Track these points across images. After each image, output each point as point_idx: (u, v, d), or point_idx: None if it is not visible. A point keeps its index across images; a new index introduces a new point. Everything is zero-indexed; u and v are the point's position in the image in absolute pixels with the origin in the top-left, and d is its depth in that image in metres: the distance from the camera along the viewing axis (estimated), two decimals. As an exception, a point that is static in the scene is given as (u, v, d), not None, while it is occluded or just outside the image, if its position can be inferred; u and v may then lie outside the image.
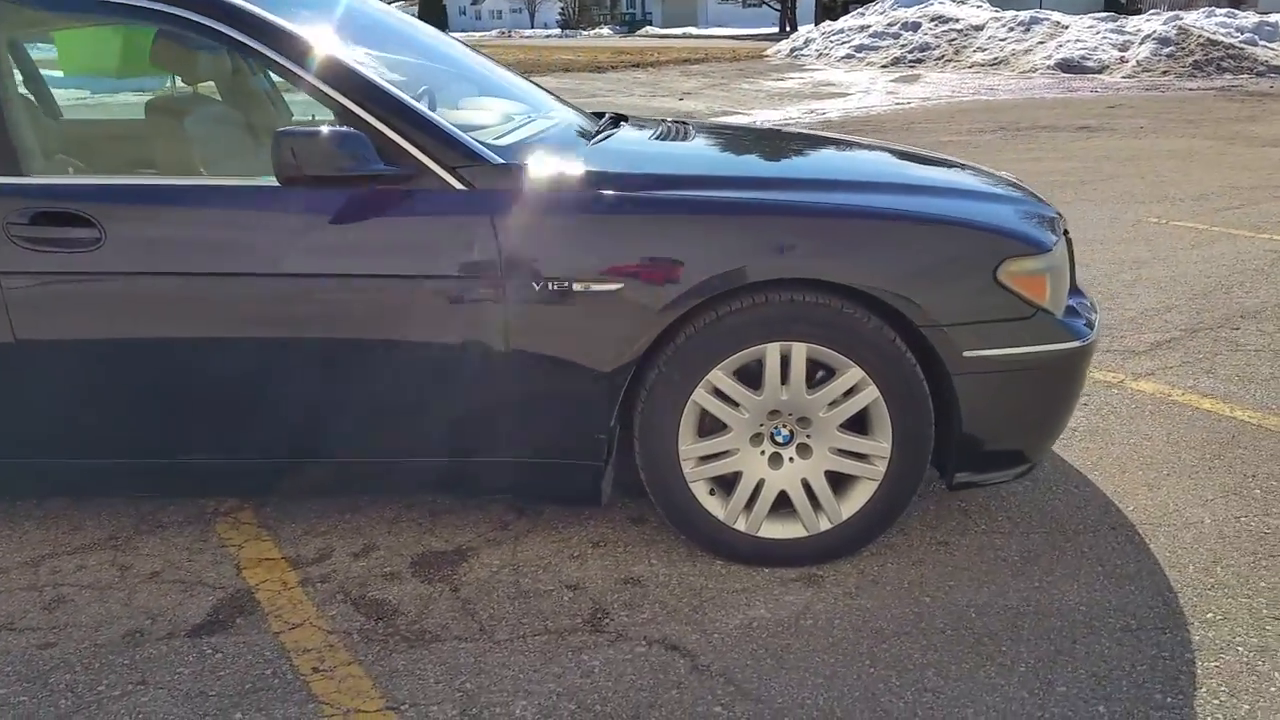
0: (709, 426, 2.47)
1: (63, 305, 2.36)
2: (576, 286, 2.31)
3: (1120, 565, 2.53)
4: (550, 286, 2.31)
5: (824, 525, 2.50)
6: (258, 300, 2.35)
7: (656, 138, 2.97)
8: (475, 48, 3.71)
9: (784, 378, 2.39)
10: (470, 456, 2.50)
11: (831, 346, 2.35)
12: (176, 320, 2.37)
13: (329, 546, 2.70)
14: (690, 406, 2.42)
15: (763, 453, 2.49)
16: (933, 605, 2.38)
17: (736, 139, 3.40)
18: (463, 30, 40.46)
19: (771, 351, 2.37)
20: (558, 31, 38.19)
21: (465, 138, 2.38)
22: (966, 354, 2.35)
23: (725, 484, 2.52)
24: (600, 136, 2.91)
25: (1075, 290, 2.75)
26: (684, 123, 3.42)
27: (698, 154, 2.89)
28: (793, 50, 24.16)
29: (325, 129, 2.22)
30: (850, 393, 2.40)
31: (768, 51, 25.75)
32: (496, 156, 2.39)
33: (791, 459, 2.49)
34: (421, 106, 2.41)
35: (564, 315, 2.33)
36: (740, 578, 2.51)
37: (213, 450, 2.52)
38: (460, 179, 2.34)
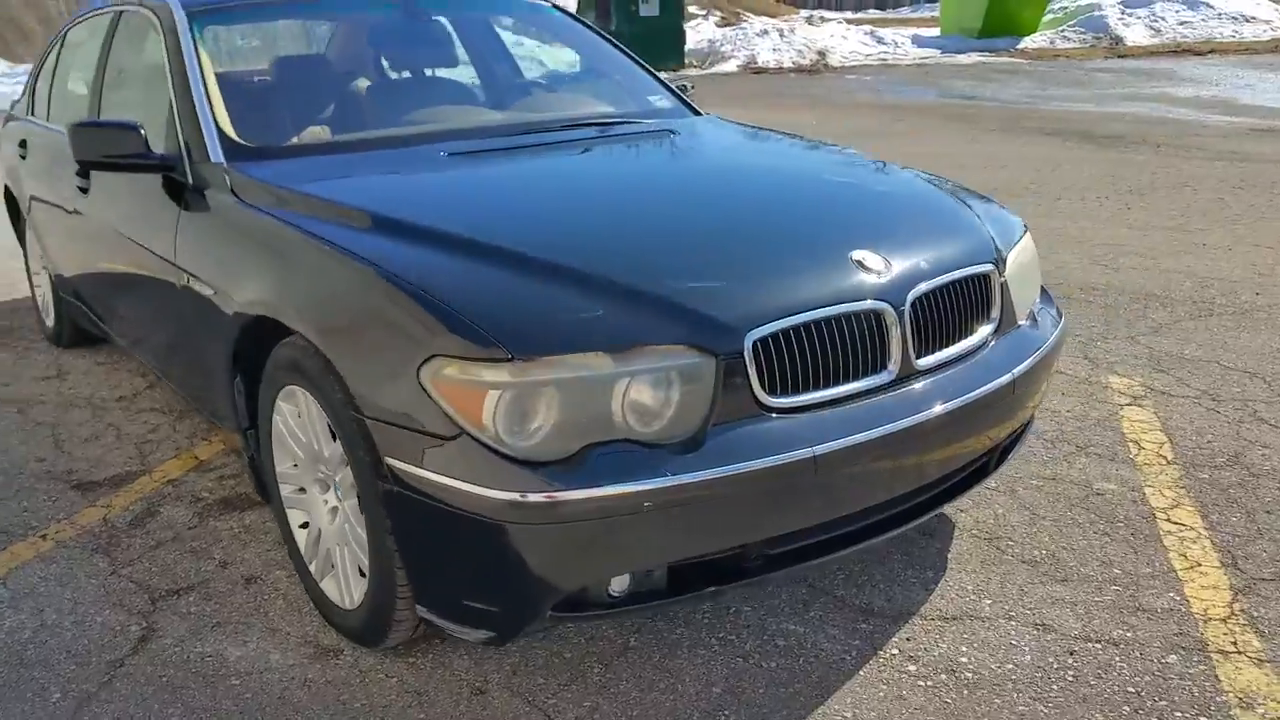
0: (299, 457, 2.36)
1: None
2: (194, 285, 2.43)
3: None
4: (187, 282, 2.47)
5: (347, 603, 2.21)
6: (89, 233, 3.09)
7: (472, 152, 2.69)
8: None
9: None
10: (202, 405, 2.81)
11: (324, 407, 2.06)
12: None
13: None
14: (274, 430, 2.34)
15: (325, 502, 2.28)
16: (328, 738, 1.98)
17: (590, 167, 2.76)
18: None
19: (299, 394, 2.17)
20: None
21: (214, 133, 2.58)
22: (388, 459, 1.85)
23: (318, 519, 2.37)
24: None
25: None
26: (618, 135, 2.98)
27: (460, 178, 2.55)
28: None
29: (105, 121, 2.67)
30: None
31: None
32: (219, 156, 2.54)
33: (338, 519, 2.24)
34: (206, 99, 2.64)
35: (195, 309, 2.47)
36: (312, 618, 2.36)
37: None
38: (193, 173, 2.59)
